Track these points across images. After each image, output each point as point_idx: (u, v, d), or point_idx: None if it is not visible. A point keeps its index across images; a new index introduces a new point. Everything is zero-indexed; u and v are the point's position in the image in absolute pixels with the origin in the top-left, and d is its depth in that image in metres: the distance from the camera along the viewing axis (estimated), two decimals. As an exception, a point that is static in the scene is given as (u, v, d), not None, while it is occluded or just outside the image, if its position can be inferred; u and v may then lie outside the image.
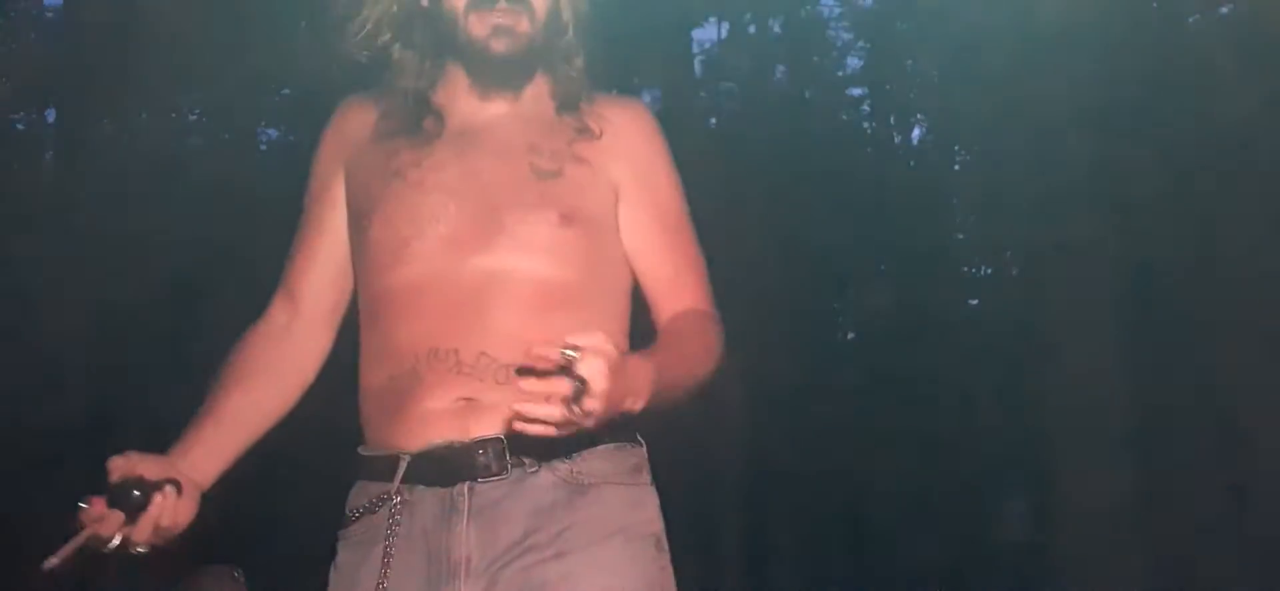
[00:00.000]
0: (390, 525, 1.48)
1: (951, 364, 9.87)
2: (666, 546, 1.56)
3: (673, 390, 1.47)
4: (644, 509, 1.55)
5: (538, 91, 1.65)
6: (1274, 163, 6.75)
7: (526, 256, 1.52)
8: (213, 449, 1.64)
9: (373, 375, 1.59)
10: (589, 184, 1.59)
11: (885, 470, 9.63)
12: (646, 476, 1.58)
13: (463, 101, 1.63)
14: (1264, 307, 6.55)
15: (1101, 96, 6.54)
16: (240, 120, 10.61)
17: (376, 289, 1.59)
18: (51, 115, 9.80)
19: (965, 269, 12.70)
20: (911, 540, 8.98)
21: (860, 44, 12.97)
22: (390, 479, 1.51)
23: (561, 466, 1.49)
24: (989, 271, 12.56)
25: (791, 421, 9.40)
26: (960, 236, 12.56)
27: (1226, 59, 6.87)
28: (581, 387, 1.28)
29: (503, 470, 1.47)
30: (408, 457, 1.50)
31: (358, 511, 1.55)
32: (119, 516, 1.43)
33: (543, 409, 1.30)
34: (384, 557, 1.47)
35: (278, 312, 1.72)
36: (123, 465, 1.50)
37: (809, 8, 12.70)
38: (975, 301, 12.64)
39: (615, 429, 1.48)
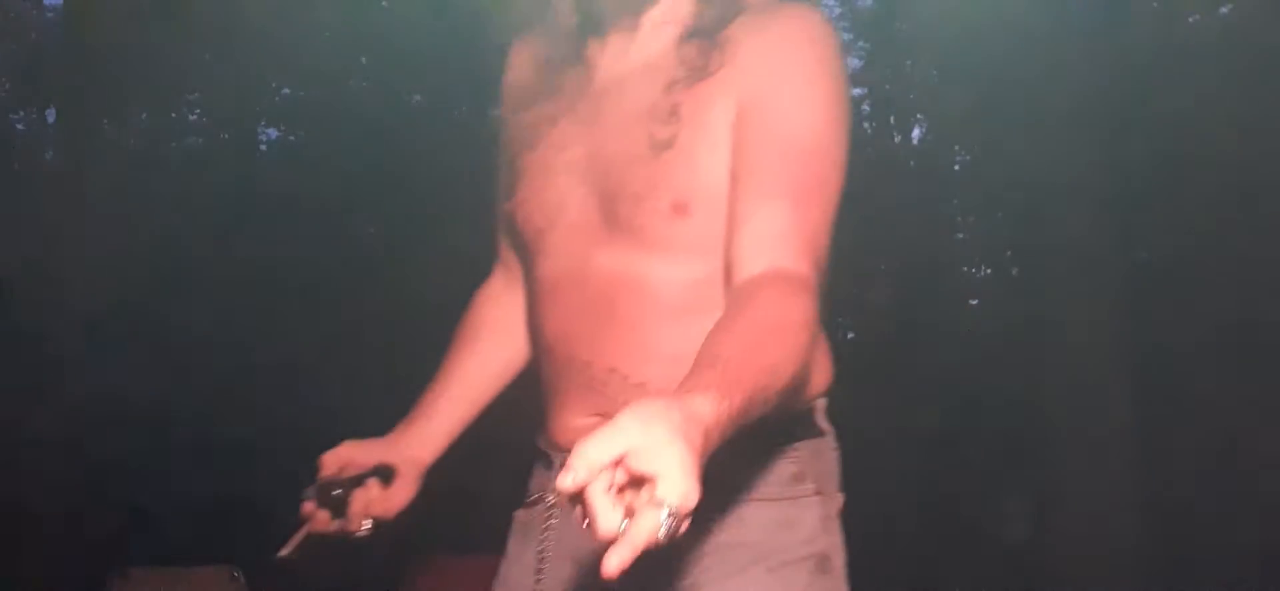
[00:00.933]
0: (545, 528, 1.39)
1: (951, 364, 9.86)
2: (836, 566, 1.34)
3: (747, 414, 1.10)
4: (798, 527, 1.32)
5: (677, 22, 1.34)
6: (1274, 162, 6.75)
7: (643, 254, 1.30)
8: (440, 419, 1.54)
9: (536, 360, 1.45)
10: (708, 147, 1.28)
11: (885, 470, 9.62)
12: (810, 484, 1.35)
13: (608, 48, 1.38)
14: (1264, 308, 6.56)
15: (1102, 96, 6.54)
16: (240, 120, 10.61)
17: (524, 275, 1.47)
18: (51, 115, 9.80)
19: (965, 269, 12.68)
20: (911, 540, 8.98)
21: (860, 44, 12.94)
22: (549, 472, 1.41)
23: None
24: (989, 271, 12.55)
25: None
26: (960, 236, 12.55)
27: (1226, 59, 6.87)
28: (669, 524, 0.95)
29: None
30: (562, 457, 1.29)
31: (529, 497, 1.47)
32: (326, 513, 1.44)
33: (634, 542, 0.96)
34: (537, 563, 1.38)
35: (496, 274, 1.61)
36: (331, 461, 1.45)
37: (809, 8, 12.68)
38: (975, 301, 12.63)
39: (770, 430, 1.22)
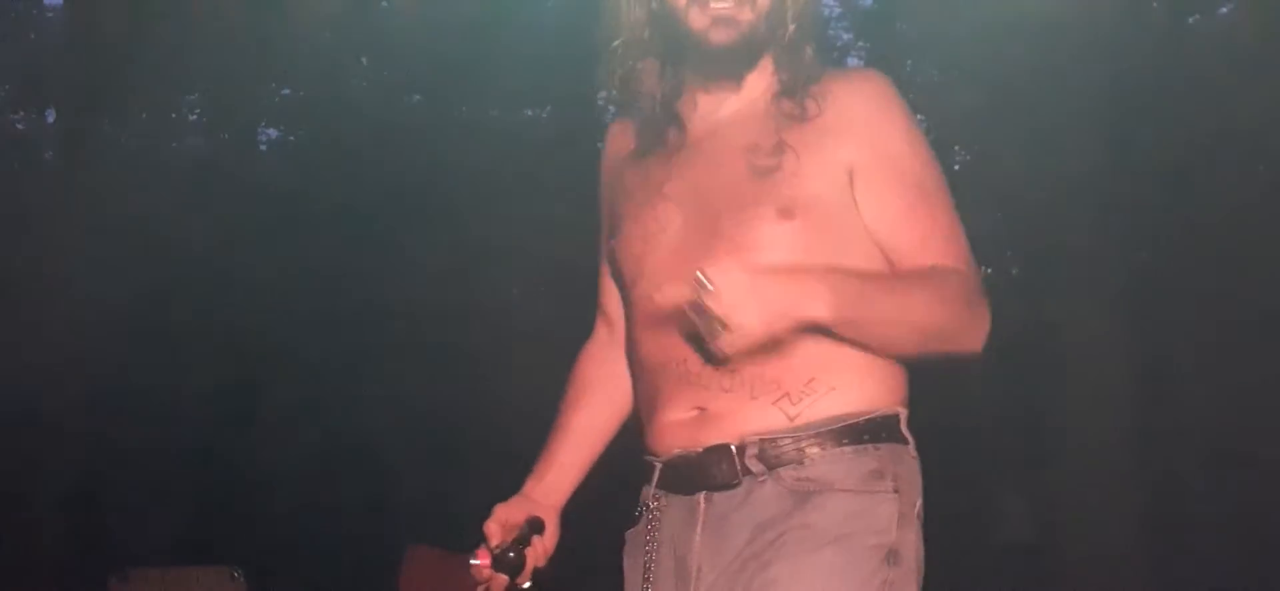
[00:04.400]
0: (650, 533, 1.56)
1: (951, 363, 9.85)
2: (908, 561, 1.50)
3: (876, 316, 1.45)
4: (873, 517, 1.47)
5: (764, 85, 1.58)
6: (1275, 162, 6.75)
7: (744, 256, 1.45)
8: (565, 469, 1.73)
9: (635, 384, 1.65)
10: (811, 171, 1.51)
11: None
12: (889, 483, 1.50)
13: (700, 107, 1.61)
14: (1265, 307, 6.55)
15: (1101, 96, 6.54)
16: (240, 120, 10.61)
17: (625, 303, 1.65)
18: (51, 115, 9.79)
19: (965, 269, 12.68)
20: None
21: (860, 44, 12.93)
22: (649, 482, 1.59)
23: (787, 475, 1.46)
24: (989, 271, 12.55)
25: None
26: (960, 236, 12.55)
27: (1226, 59, 6.87)
28: (712, 321, 1.32)
29: (733, 479, 1.47)
30: (660, 463, 1.57)
31: (637, 512, 1.62)
32: (504, 579, 1.59)
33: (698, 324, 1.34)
34: (645, 571, 1.55)
35: (600, 331, 1.79)
36: (497, 531, 1.60)
37: (809, 8, 12.67)
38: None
39: (856, 430, 1.49)
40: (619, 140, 1.72)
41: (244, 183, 9.28)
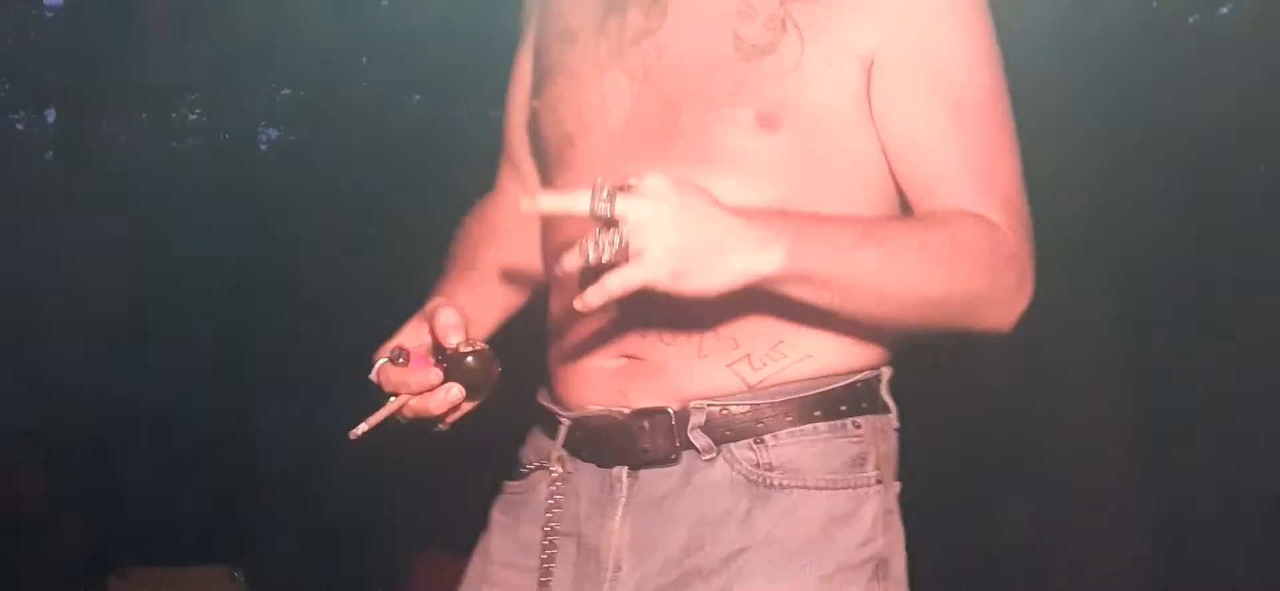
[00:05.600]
0: (552, 501, 1.17)
1: (951, 364, 9.86)
2: (896, 570, 1.17)
3: (855, 277, 1.03)
4: (856, 523, 1.13)
5: None
6: (1274, 162, 6.75)
7: (707, 172, 1.06)
8: (484, 303, 1.29)
9: (550, 301, 1.25)
10: (814, 63, 1.11)
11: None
12: (872, 470, 1.16)
13: None
14: (1266, 307, 6.55)
15: (1101, 96, 6.54)
16: (240, 120, 10.61)
17: (542, 187, 1.24)
18: (51, 115, 9.79)
19: (965, 269, 12.68)
20: (910, 540, 8.98)
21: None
22: (552, 438, 1.20)
23: (744, 456, 1.10)
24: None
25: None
26: (960, 236, 12.55)
27: (1226, 59, 6.87)
28: (602, 239, 0.95)
29: (668, 455, 1.11)
30: (568, 419, 1.18)
31: (524, 468, 1.26)
32: (458, 396, 1.12)
33: (568, 260, 0.96)
34: (545, 540, 1.16)
35: (505, 181, 1.39)
36: (459, 326, 1.12)
37: (809, 8, 12.70)
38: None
39: (833, 399, 1.12)
40: None
41: (244, 183, 9.28)
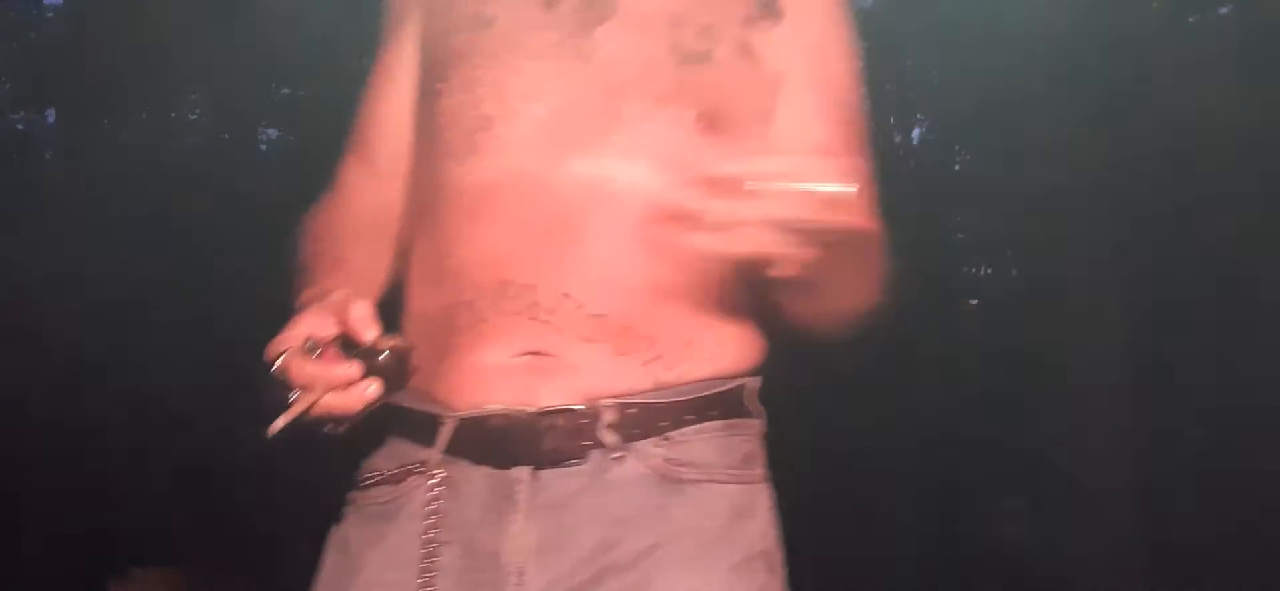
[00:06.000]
0: (430, 508, 1.11)
1: (951, 364, 9.86)
2: (780, 566, 1.16)
3: (825, 275, 1.03)
4: (754, 517, 1.15)
5: None
6: (1275, 162, 6.75)
7: (646, 167, 1.09)
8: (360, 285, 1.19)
9: (420, 297, 1.19)
10: (746, 77, 1.17)
11: (884, 470, 9.62)
12: (760, 467, 1.19)
13: None
14: (1265, 307, 6.55)
15: (1101, 96, 6.54)
16: (240, 120, 10.61)
17: (439, 179, 1.17)
18: (51, 115, 9.80)
19: (965, 269, 12.68)
20: (910, 540, 8.97)
21: (860, 44, 12.94)
22: (428, 443, 1.13)
23: (654, 452, 1.10)
24: (989, 271, 12.54)
25: (790, 420, 9.40)
26: (960, 236, 12.55)
27: (1226, 59, 6.87)
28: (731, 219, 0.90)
29: (577, 454, 1.09)
30: (454, 420, 1.12)
31: (378, 474, 1.17)
32: (375, 391, 1.03)
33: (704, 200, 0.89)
34: (425, 549, 1.10)
35: (351, 173, 1.31)
36: (373, 321, 1.04)
37: (809, 8, 12.70)
38: (975, 301, 12.62)
39: (728, 399, 1.15)
40: None
41: (244, 183, 9.29)
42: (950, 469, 9.40)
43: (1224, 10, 8.23)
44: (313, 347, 1.00)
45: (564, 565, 1.07)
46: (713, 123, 1.13)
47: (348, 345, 1.04)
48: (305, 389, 0.99)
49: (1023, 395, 7.39)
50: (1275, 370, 6.37)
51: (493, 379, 1.10)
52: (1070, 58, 6.41)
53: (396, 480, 1.14)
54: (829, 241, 0.94)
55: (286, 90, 10.85)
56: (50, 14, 10.10)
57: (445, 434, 1.12)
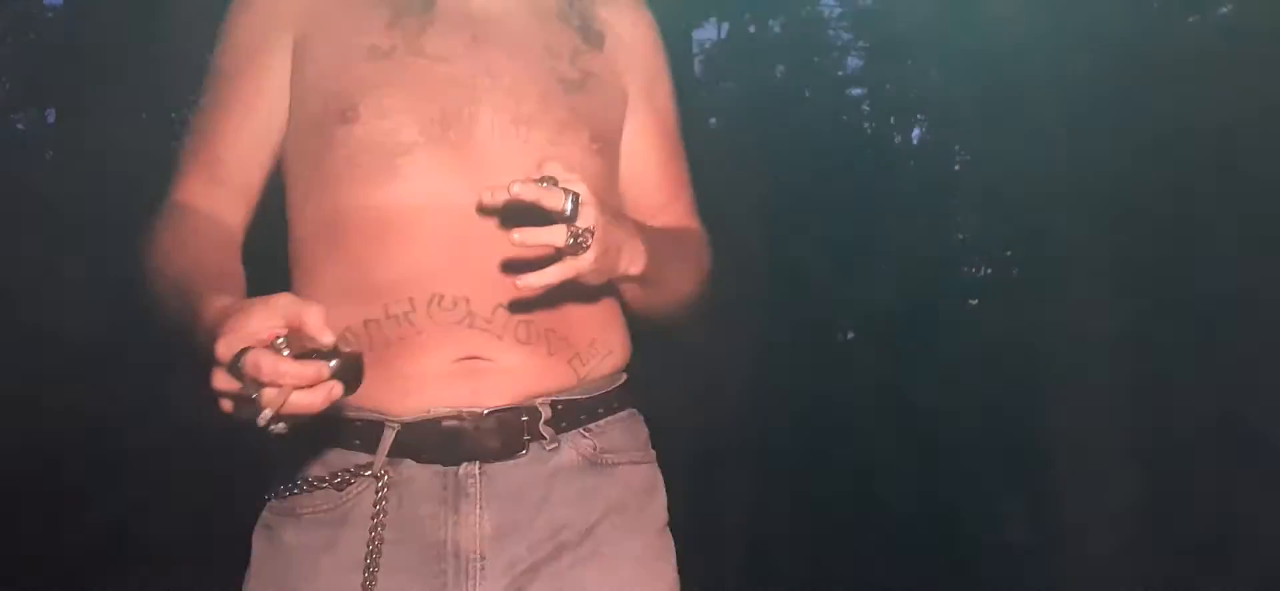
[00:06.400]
0: (378, 508, 1.18)
1: (951, 364, 9.86)
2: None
3: (664, 273, 1.26)
4: (659, 491, 1.34)
5: None
6: (1275, 162, 6.75)
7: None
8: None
9: (340, 315, 1.19)
10: (609, 100, 1.34)
11: (884, 470, 9.62)
12: (651, 449, 1.36)
13: None
14: (1264, 307, 6.55)
15: (1101, 96, 6.55)
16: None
17: (353, 202, 1.22)
18: (51, 115, 9.80)
19: (965, 269, 12.69)
20: (910, 540, 8.98)
21: (860, 44, 12.95)
22: (370, 449, 1.20)
23: (584, 442, 1.25)
24: (989, 271, 12.56)
25: (790, 420, 9.39)
26: (960, 236, 12.56)
27: (1226, 59, 6.87)
28: (580, 233, 1.09)
29: (520, 448, 1.21)
30: (397, 426, 1.20)
31: (317, 481, 1.23)
32: (338, 390, 1.05)
33: (544, 237, 1.08)
34: (371, 547, 1.17)
35: (191, 191, 1.33)
36: (324, 325, 1.04)
37: (809, 8, 12.70)
38: (975, 301, 12.63)
39: (625, 392, 1.31)
40: None
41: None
42: (950, 469, 9.40)
43: (1224, 10, 8.22)
44: (281, 346, 1.01)
45: (521, 546, 1.20)
46: (602, 144, 1.29)
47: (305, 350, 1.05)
48: (274, 384, 0.99)
49: (1023, 395, 7.39)
50: (1276, 370, 6.37)
51: (433, 384, 1.19)
52: (1070, 58, 6.41)
53: (340, 486, 1.21)
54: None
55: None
56: (50, 14, 10.10)
57: (388, 438, 1.20)
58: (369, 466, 1.20)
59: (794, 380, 9.42)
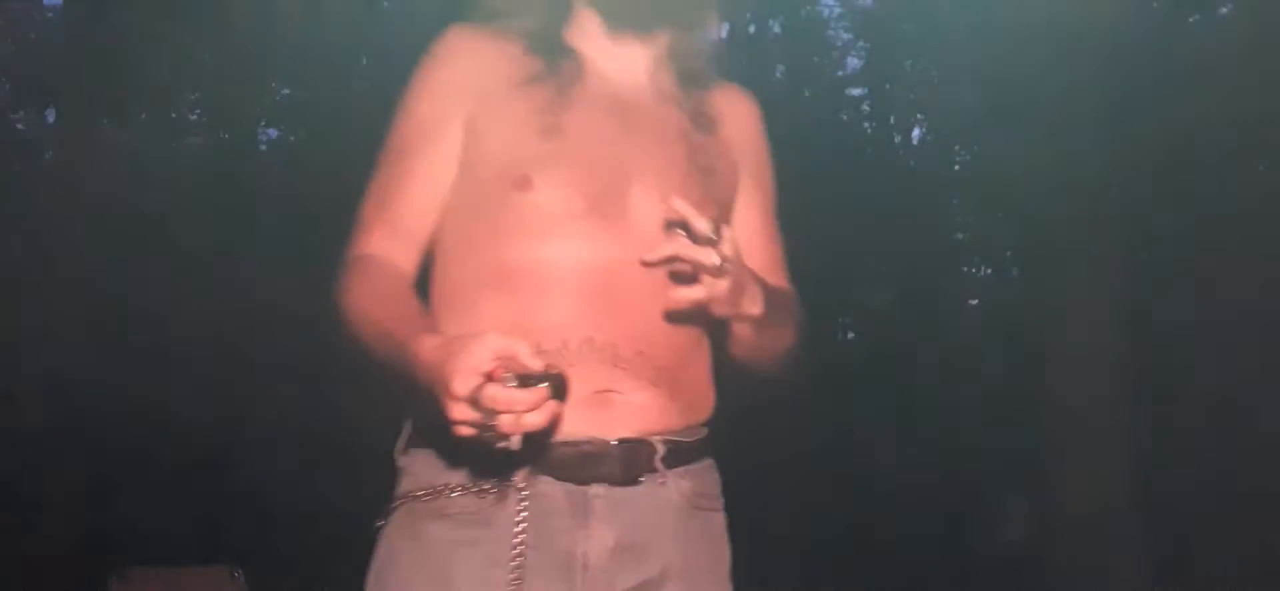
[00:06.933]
0: (522, 516, 1.35)
1: (951, 364, 9.87)
2: None
3: (772, 322, 1.43)
4: (727, 541, 1.51)
5: (652, 57, 1.52)
6: (1274, 162, 6.75)
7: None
8: None
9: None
10: (728, 182, 1.52)
11: (884, 470, 9.63)
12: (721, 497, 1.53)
13: (597, 50, 1.50)
14: (1265, 307, 6.56)
15: (1101, 96, 6.54)
16: (240, 120, 10.61)
17: (521, 256, 1.41)
18: (51, 115, 9.80)
19: (965, 269, 12.70)
20: (910, 540, 8.98)
21: (860, 44, 12.95)
22: (509, 460, 1.36)
23: (684, 483, 1.42)
24: (989, 271, 12.56)
25: (790, 421, 9.39)
26: (960, 236, 12.56)
27: (1226, 59, 6.87)
28: (721, 264, 1.30)
29: (636, 478, 1.38)
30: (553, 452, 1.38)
31: (460, 488, 1.38)
32: (557, 406, 1.23)
33: (697, 255, 1.28)
34: (517, 549, 1.33)
35: (373, 244, 1.50)
36: (531, 353, 1.22)
37: (809, 8, 12.69)
38: (975, 301, 12.63)
39: (708, 442, 1.47)
40: (473, 52, 1.52)
41: (244, 183, 9.29)
42: (950, 469, 9.40)
43: (1224, 10, 8.23)
44: (509, 379, 1.19)
45: (635, 565, 1.37)
46: (725, 218, 1.46)
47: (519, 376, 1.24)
48: (508, 412, 1.19)
49: (1023, 395, 7.39)
50: (1276, 369, 6.37)
51: (571, 411, 1.31)
52: (1070, 58, 6.41)
53: (483, 493, 1.37)
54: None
55: (286, 90, 10.86)
56: (50, 14, 10.10)
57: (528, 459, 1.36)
58: (510, 478, 1.36)
59: (793, 379, 9.42)
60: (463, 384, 1.18)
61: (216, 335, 8.44)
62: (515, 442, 1.22)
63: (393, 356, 1.34)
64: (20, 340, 7.16)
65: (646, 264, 1.38)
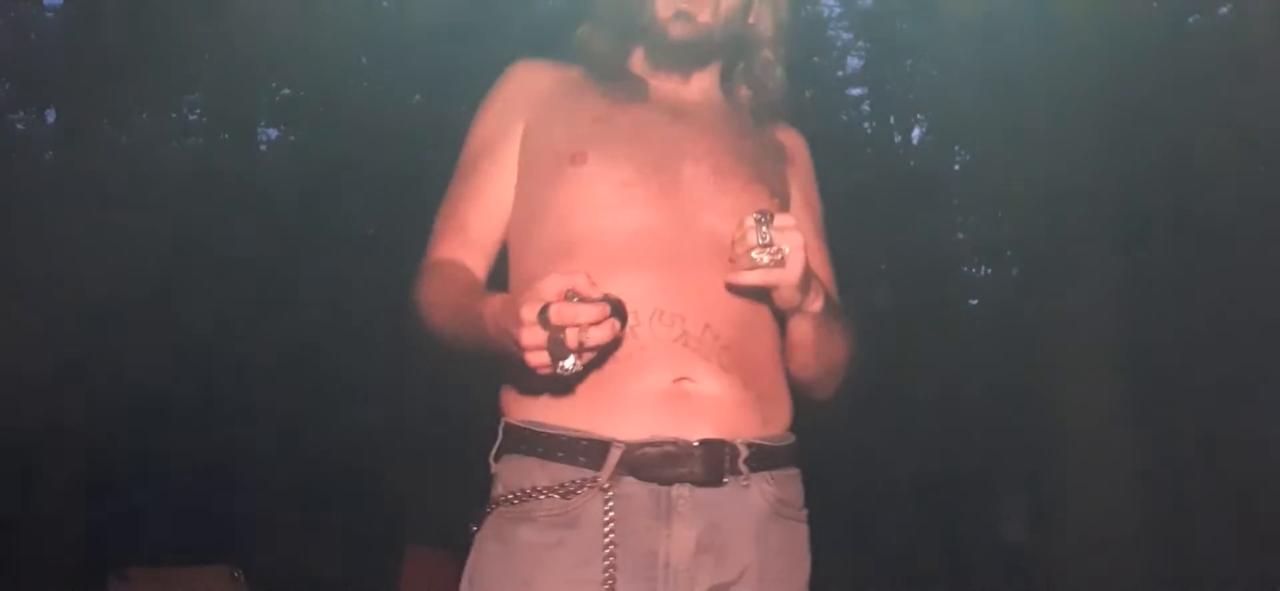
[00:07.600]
0: (609, 516, 1.38)
1: (951, 364, 9.86)
2: None
3: (830, 327, 1.49)
4: (808, 552, 1.54)
5: (709, 85, 1.65)
6: (1274, 162, 6.75)
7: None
8: None
9: None
10: (781, 179, 1.62)
11: (884, 469, 9.62)
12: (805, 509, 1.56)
13: (653, 76, 1.63)
14: (1264, 307, 6.56)
15: (1101, 96, 6.54)
16: (240, 120, 10.61)
17: (583, 227, 1.48)
18: (51, 115, 9.79)
19: (965, 269, 12.68)
20: (910, 540, 8.98)
21: (860, 44, 12.94)
22: (594, 465, 1.40)
23: (769, 488, 1.45)
24: (989, 271, 12.55)
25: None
26: (960, 236, 12.55)
27: (1226, 59, 6.87)
28: (782, 254, 1.34)
29: (720, 479, 1.41)
30: (622, 447, 1.41)
31: (547, 491, 1.42)
32: (617, 324, 1.30)
33: (780, 219, 1.33)
34: (607, 551, 1.37)
35: (446, 250, 1.61)
36: (591, 285, 1.29)
37: (809, 8, 12.69)
38: (975, 301, 12.62)
39: (794, 450, 1.50)
40: (535, 77, 1.65)
41: (244, 183, 9.29)
42: (950, 469, 9.40)
43: (1224, 10, 8.23)
44: (571, 297, 1.26)
45: (716, 565, 1.39)
46: (780, 202, 1.56)
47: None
48: (572, 325, 1.24)
49: (1023, 396, 7.39)
50: (1275, 369, 6.38)
51: (652, 407, 1.39)
52: (1070, 58, 6.41)
53: (567, 494, 1.40)
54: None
55: (286, 90, 10.86)
56: (50, 14, 10.09)
57: (614, 456, 1.39)
58: (594, 479, 1.40)
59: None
60: (530, 310, 1.25)
61: (217, 334, 8.44)
62: (578, 363, 1.26)
63: (467, 326, 1.41)
64: (20, 340, 7.15)
65: (696, 238, 1.43)
